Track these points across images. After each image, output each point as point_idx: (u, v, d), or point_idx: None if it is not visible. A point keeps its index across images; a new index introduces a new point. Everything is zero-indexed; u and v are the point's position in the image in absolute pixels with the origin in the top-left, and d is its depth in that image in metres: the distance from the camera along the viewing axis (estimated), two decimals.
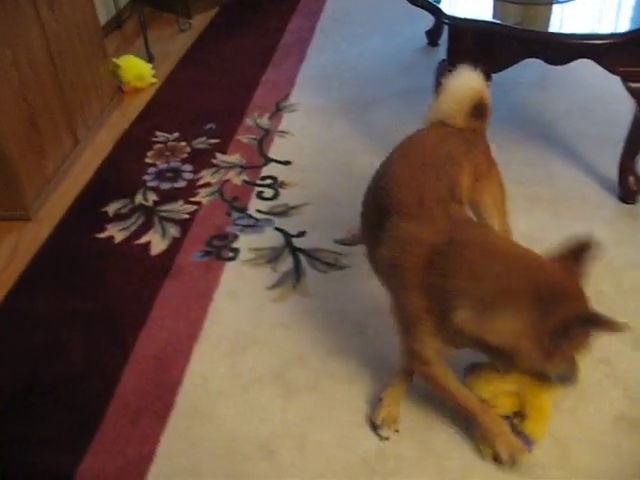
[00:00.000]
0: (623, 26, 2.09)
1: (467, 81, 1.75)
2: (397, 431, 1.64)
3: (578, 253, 1.40)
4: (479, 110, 1.77)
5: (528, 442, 1.58)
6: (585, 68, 2.29)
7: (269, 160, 2.66)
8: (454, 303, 1.37)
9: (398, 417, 1.66)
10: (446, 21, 2.16)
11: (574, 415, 1.68)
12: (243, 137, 2.82)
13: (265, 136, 2.81)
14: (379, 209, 1.59)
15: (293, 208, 2.39)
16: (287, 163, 2.63)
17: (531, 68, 2.37)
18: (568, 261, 1.39)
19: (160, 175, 2.61)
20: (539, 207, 2.36)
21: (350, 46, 3.53)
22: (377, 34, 3.64)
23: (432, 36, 3.46)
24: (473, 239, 1.44)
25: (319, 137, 2.76)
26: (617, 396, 1.74)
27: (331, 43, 3.58)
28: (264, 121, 2.91)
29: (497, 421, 1.57)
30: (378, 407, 1.66)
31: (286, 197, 2.45)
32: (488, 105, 1.80)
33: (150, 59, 3.43)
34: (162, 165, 2.67)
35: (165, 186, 2.55)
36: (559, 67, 2.27)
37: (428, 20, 3.28)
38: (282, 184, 2.52)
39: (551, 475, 1.57)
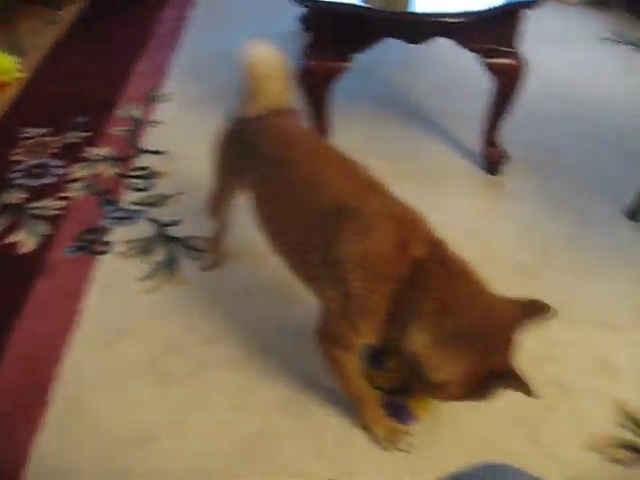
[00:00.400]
0: (477, 4, 2.15)
1: (273, 56, 1.72)
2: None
3: (533, 312, 1.42)
4: None
5: (408, 417, 1.63)
6: (447, 47, 2.35)
7: (142, 151, 2.62)
8: (416, 323, 1.35)
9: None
10: (305, 4, 2.18)
11: None
12: (115, 129, 2.76)
13: (138, 127, 2.77)
14: (314, 203, 1.50)
15: (167, 198, 2.37)
16: (160, 153, 2.60)
17: (396, 48, 2.42)
18: (522, 311, 1.41)
19: (29, 172, 2.52)
20: (407, 183, 2.41)
21: (225, 35, 3.50)
22: (252, 22, 3.63)
23: (306, 21, 3.48)
24: (451, 262, 1.41)
25: (192, 126, 2.73)
26: None
27: (205, 32, 3.54)
28: (137, 112, 2.86)
29: (378, 411, 1.63)
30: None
31: (159, 187, 2.42)
32: None
33: (17, 52, 3.30)
34: (31, 161, 2.58)
35: (34, 183, 2.46)
36: (423, 47, 2.32)
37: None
38: (155, 174, 2.48)
39: (424, 439, 1.62)
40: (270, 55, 1.69)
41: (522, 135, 2.69)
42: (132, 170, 2.52)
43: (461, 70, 3.02)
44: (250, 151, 1.69)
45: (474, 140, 2.55)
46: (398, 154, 2.58)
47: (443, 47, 2.36)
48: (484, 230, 2.24)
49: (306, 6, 2.16)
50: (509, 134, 2.52)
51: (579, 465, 1.58)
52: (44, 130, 2.77)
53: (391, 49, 2.55)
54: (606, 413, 1.70)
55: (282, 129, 1.68)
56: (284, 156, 1.61)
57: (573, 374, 1.79)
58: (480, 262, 2.07)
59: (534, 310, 1.42)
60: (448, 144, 2.66)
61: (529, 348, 1.81)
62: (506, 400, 1.68)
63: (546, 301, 1.95)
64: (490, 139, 2.47)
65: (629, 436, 1.65)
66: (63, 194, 2.40)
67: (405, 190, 2.35)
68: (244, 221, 2.16)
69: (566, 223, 2.29)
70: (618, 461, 1.60)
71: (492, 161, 2.48)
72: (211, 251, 2.10)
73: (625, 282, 2.08)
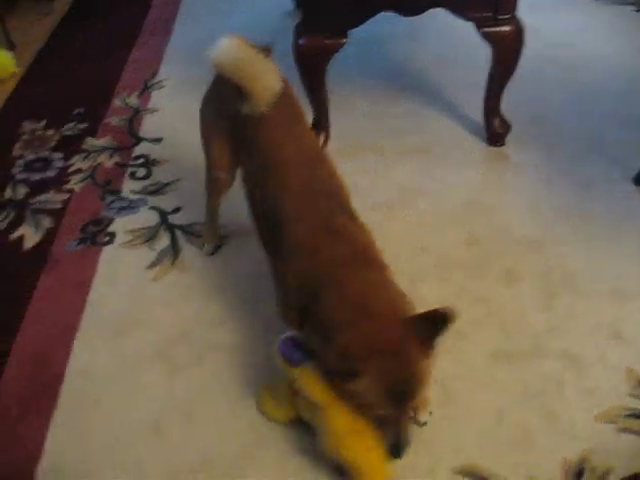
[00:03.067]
0: None
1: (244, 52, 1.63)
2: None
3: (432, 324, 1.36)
4: None
5: None
6: (449, 17, 2.30)
7: (140, 139, 2.60)
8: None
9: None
10: None
11: (453, 354, 1.74)
12: (112, 119, 2.75)
13: (135, 115, 2.75)
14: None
15: (167, 185, 2.35)
16: (158, 141, 2.58)
17: (396, 20, 2.37)
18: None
19: (29, 166, 2.52)
20: (411, 157, 2.41)
21: (216, 19, 3.46)
22: (244, 4, 3.59)
23: None
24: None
25: (189, 112, 2.62)
26: (493, 332, 1.81)
27: (197, 17, 3.50)
28: (133, 100, 2.84)
29: None
30: None
31: (159, 175, 2.40)
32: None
33: (11, 47, 3.28)
34: (30, 156, 2.57)
35: (35, 177, 2.46)
36: (425, 18, 2.27)
37: None
38: (154, 162, 2.47)
39: (436, 404, 1.61)
40: (241, 52, 1.63)
41: (524, 104, 2.66)
42: (131, 159, 2.50)
43: (463, 40, 2.97)
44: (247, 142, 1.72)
45: (477, 111, 2.51)
46: (401, 129, 2.56)
47: (445, 17, 2.31)
48: (489, 203, 2.22)
49: None
50: (511, 103, 2.48)
51: (594, 438, 1.56)
52: (42, 124, 2.76)
53: (390, 21, 2.50)
54: (618, 383, 1.68)
55: (277, 126, 1.68)
56: (278, 155, 1.65)
57: (583, 345, 1.77)
58: (485, 235, 2.10)
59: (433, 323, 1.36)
60: (451, 116, 2.63)
61: (538, 321, 1.83)
62: (518, 375, 1.70)
63: (552, 274, 1.96)
64: (492, 109, 2.43)
65: None
66: (64, 187, 2.40)
67: (409, 164, 2.39)
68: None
69: (572, 192, 2.26)
70: (632, 431, 1.58)
71: (495, 132, 2.45)
72: (208, 235, 2.09)
73: (634, 250, 2.05)
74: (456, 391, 1.66)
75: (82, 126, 2.72)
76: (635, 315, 1.85)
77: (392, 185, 2.30)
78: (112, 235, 2.17)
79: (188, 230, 2.16)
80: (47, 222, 2.24)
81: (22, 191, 2.40)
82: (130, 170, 2.45)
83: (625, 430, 1.58)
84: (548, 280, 1.95)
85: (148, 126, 2.68)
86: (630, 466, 1.51)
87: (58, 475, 1.55)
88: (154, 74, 3.03)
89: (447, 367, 1.70)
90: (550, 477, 1.49)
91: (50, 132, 2.70)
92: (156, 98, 2.85)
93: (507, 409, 1.63)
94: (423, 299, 1.87)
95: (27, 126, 2.76)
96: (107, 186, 2.38)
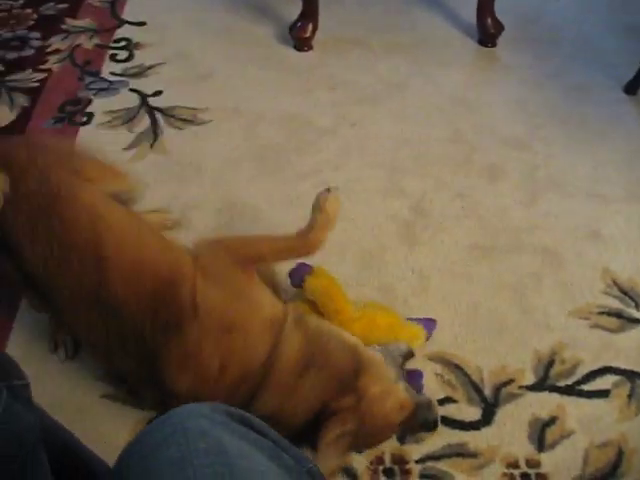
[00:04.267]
0: None
1: None
2: None
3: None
4: None
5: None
6: None
7: (122, 22, 2.51)
8: None
9: None
10: None
11: (431, 246, 1.74)
12: (94, 0, 2.64)
13: None
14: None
15: (149, 68, 2.28)
16: (142, 24, 2.49)
17: None
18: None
19: (5, 45, 2.41)
20: (399, 53, 2.36)
21: None
22: None
23: None
24: None
25: None
26: (472, 227, 1.80)
27: None
28: None
29: None
30: None
31: (141, 58, 2.32)
32: None
33: None
34: (7, 34, 2.46)
35: (11, 56, 2.36)
36: None
37: None
38: (137, 45, 2.38)
39: (412, 293, 1.63)
40: None
41: (519, 6, 2.60)
42: (113, 41, 2.42)
43: None
44: None
45: (470, 11, 2.44)
46: (391, 25, 2.48)
47: None
48: (476, 101, 2.18)
49: None
50: (505, 5, 2.41)
51: (566, 332, 1.58)
52: (19, 2, 2.64)
53: None
54: (594, 282, 1.69)
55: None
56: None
57: (563, 243, 1.77)
58: (471, 133, 2.07)
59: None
60: (444, 15, 2.56)
61: (518, 217, 1.82)
62: (496, 268, 1.70)
63: (536, 173, 1.94)
64: (485, 9, 2.36)
65: (616, 304, 1.64)
66: (42, 66, 2.32)
67: (395, 62, 2.33)
68: None
69: (562, 96, 2.23)
70: (604, 327, 1.60)
71: (487, 32, 2.38)
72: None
73: (619, 154, 2.04)
74: (433, 281, 1.66)
75: (61, 6, 2.61)
76: (614, 217, 1.85)
77: (377, 79, 2.25)
78: (90, 115, 2.11)
79: (169, 113, 2.10)
80: (23, 100, 2.17)
81: None
82: (111, 52, 2.36)
83: (596, 326, 1.60)
84: (532, 178, 1.94)
85: (131, 9, 2.57)
86: (598, 360, 1.53)
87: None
88: None
89: (424, 258, 1.71)
90: (521, 366, 1.51)
91: (28, 11, 2.59)
92: None
93: (483, 300, 1.63)
94: (402, 190, 1.88)
95: (3, 3, 2.64)
96: (86, 67, 2.30)
